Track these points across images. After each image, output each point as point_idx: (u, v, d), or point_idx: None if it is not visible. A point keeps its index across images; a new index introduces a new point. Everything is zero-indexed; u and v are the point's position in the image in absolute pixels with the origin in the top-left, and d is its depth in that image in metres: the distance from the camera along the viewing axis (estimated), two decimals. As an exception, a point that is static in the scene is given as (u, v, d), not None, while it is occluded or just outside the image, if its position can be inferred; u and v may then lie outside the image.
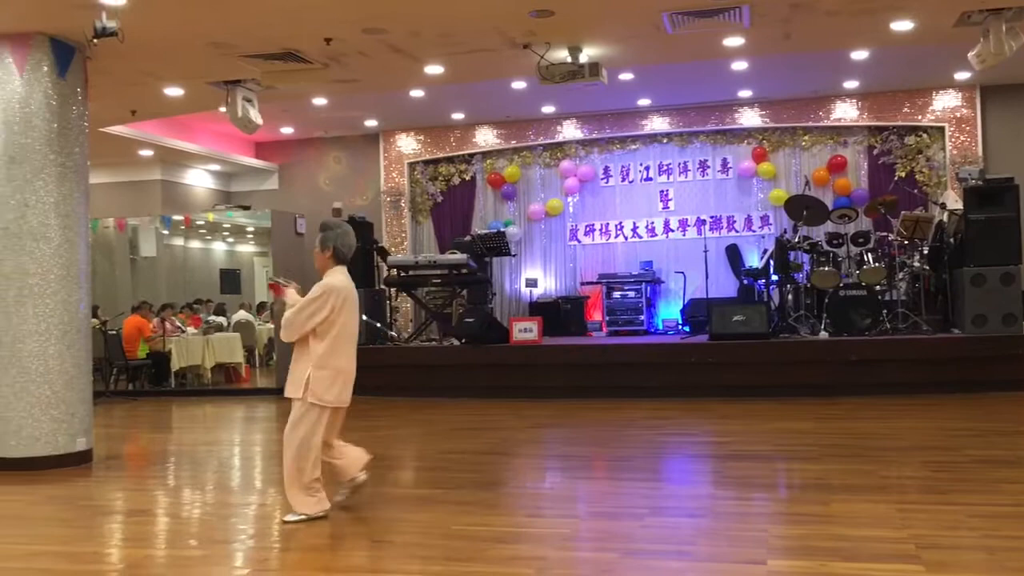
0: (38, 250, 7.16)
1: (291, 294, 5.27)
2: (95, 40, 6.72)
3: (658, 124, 13.97)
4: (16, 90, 7.22)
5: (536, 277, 14.56)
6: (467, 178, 14.85)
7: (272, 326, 13.74)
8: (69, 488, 6.49)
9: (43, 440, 7.12)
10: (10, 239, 7.14)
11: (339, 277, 5.17)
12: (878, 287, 10.78)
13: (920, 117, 13.00)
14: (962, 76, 12.18)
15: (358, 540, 4.69)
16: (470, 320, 11.34)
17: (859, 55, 10.82)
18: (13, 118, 7.20)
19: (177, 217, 14.46)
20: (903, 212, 11.29)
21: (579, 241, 14.51)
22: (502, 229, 13.58)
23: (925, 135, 13.03)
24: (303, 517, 5.01)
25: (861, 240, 10.99)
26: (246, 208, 14.34)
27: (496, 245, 12.68)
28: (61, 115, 7.33)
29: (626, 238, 14.27)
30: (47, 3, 6.69)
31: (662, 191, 14.17)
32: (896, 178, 12.97)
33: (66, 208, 7.31)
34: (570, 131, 14.29)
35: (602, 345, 11.40)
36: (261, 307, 14.95)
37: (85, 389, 7.48)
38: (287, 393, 5.17)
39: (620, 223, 14.29)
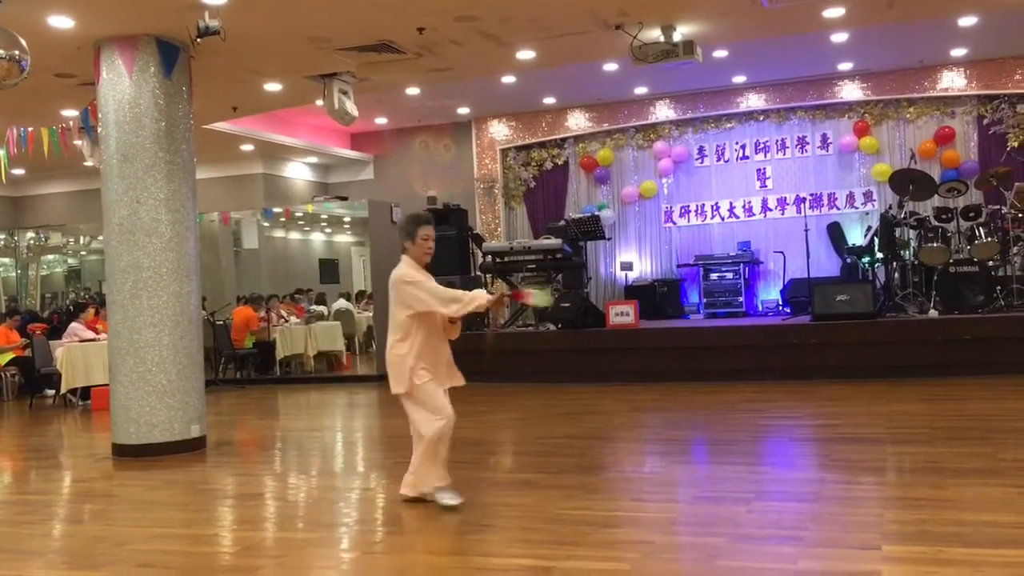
0: (150, 244, 7.45)
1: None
2: (199, 39, 6.95)
3: (754, 101, 13.66)
4: (126, 91, 7.51)
5: (631, 260, 14.45)
6: (560, 162, 14.82)
7: (370, 314, 14.00)
8: (186, 473, 6.75)
9: (160, 427, 7.43)
10: (124, 235, 7.45)
11: None
12: (991, 263, 10.35)
13: (1033, 84, 12.40)
14: (1079, 38, 11.56)
15: (462, 525, 4.74)
16: (566, 305, 11.33)
17: (967, 21, 10.37)
18: (124, 118, 7.50)
19: (277, 209, 14.84)
20: (1017, 184, 10.78)
21: (674, 223, 14.33)
22: (596, 213, 13.51)
23: (1038, 102, 12.43)
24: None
25: (972, 214, 10.56)
26: (343, 199, 14.63)
27: (590, 229, 12.63)
28: (168, 114, 7.60)
29: (722, 219, 14.04)
30: (153, 6, 6.93)
31: (759, 169, 13.87)
32: (1008, 148, 12.40)
33: (175, 203, 7.58)
34: (663, 111, 14.11)
35: (700, 328, 11.25)
36: (360, 296, 15.25)
37: (197, 378, 7.76)
38: (460, 381, 5.26)
39: (716, 203, 14.06)
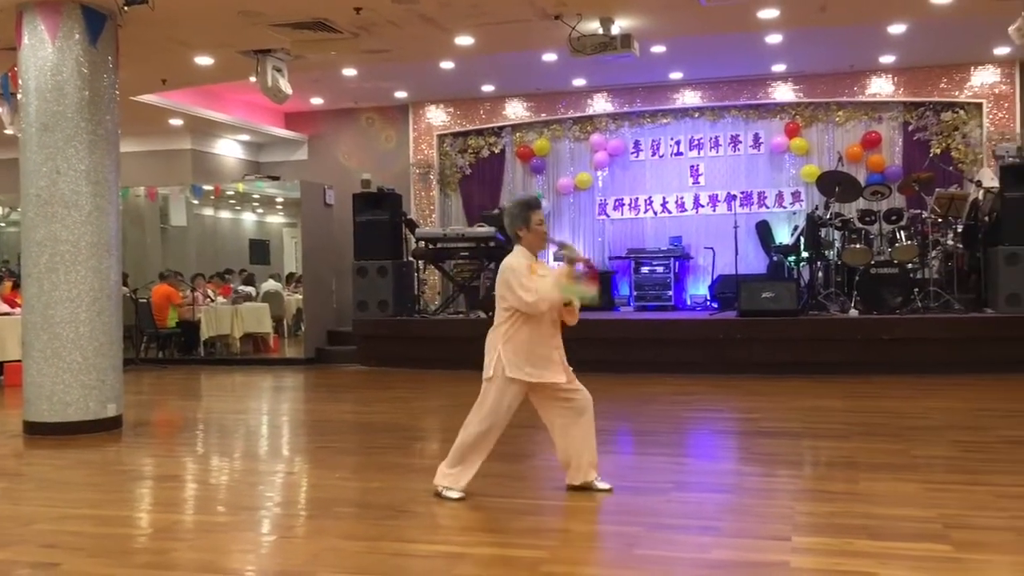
0: (69, 217, 7.22)
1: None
2: (126, 8, 6.76)
3: (690, 98, 13.81)
4: (48, 58, 7.26)
5: (564, 251, 14.49)
6: (496, 151, 14.79)
7: (300, 296, 13.81)
8: (99, 453, 6.58)
9: (74, 406, 7.22)
10: (41, 206, 7.21)
11: None
12: (910, 265, 10.65)
13: (957, 93, 12.75)
14: (1001, 51, 11.92)
15: (382, 510, 4.71)
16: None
17: (896, 29, 10.62)
18: (45, 86, 7.25)
19: (207, 187, 14.52)
20: (938, 190, 11.11)
21: (608, 215, 14.43)
22: (531, 202, 13.51)
23: (962, 111, 12.79)
24: None
25: (894, 218, 10.84)
26: (275, 179, 14.40)
27: (524, 218, 12.62)
28: (92, 83, 7.36)
29: (655, 213, 14.17)
30: (79, -30, 6.71)
31: (692, 166, 14.04)
32: (931, 155, 12.74)
33: (97, 176, 7.35)
34: (601, 104, 14.17)
35: (629, 320, 11.35)
36: (290, 277, 15.04)
37: (115, 356, 7.56)
38: (559, 378, 4.86)
39: (649, 198, 14.18)
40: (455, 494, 4.76)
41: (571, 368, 4.94)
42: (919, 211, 10.99)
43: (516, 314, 4.72)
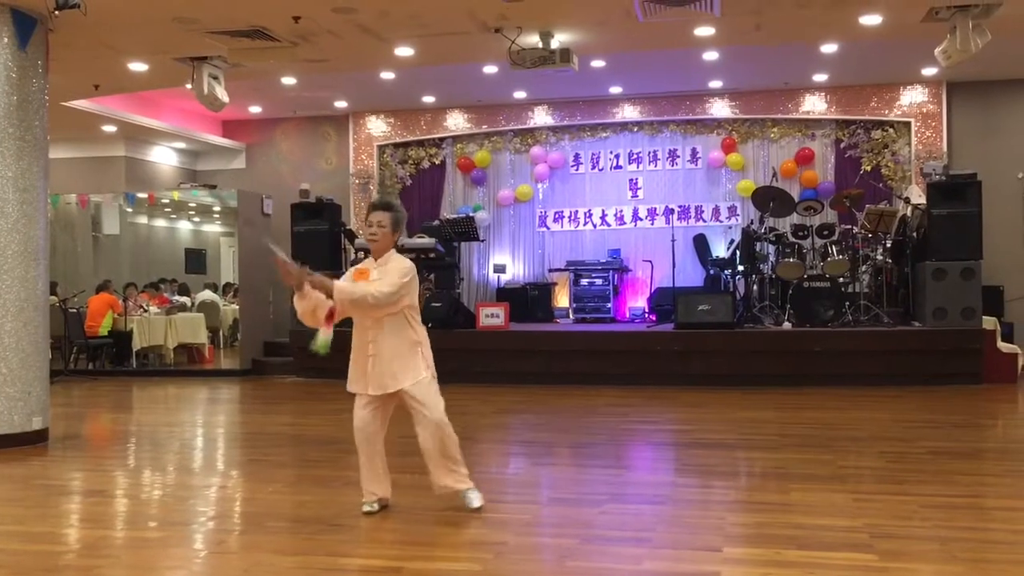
0: (-5, 225, 7.02)
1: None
2: (57, 12, 6.61)
3: (629, 112, 13.97)
4: (-26, 61, 7.06)
5: (504, 263, 14.54)
6: (437, 162, 14.78)
7: (236, 307, 13.61)
8: (23, 467, 6.39)
9: (-2, 418, 7.01)
10: (-34, 213, 7.00)
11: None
12: (841, 279, 10.89)
13: (887, 112, 13.11)
14: (929, 72, 12.30)
15: (317, 524, 4.66)
16: (437, 304, 11.31)
17: (828, 48, 10.89)
18: (-29, 90, 7.05)
19: (141, 195, 14.22)
20: (868, 206, 11.42)
21: (548, 228, 14.50)
22: (471, 214, 13.54)
23: (891, 130, 13.15)
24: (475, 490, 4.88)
25: (826, 232, 11.09)
26: (212, 187, 14.18)
27: (465, 230, 12.65)
28: (20, 88, 7.18)
29: (595, 226, 14.29)
30: (7, -28, 6.55)
31: (631, 179, 14.19)
32: (862, 172, 13.08)
33: (24, 183, 7.17)
34: (541, 117, 14.26)
35: (568, 332, 11.42)
36: (227, 287, 14.81)
37: (42, 367, 7.36)
38: (402, 385, 4.79)
39: (589, 211, 14.30)
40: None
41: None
42: (850, 226, 11.27)
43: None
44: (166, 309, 13.74)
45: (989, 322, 10.22)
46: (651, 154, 14.13)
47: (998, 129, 12.67)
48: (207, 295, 14.49)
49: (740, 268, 11.64)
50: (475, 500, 4.83)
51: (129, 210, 14.49)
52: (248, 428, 8.66)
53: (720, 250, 13.30)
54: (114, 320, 13.00)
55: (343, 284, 4.71)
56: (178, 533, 4.61)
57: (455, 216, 13.15)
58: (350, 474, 5.99)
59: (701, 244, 13.51)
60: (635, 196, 14.17)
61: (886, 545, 4.08)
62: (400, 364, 4.80)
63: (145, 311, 13.34)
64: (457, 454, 4.86)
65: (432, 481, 4.86)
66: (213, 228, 16.03)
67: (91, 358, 13.26)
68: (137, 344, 13.03)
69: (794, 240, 11.09)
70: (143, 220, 15.08)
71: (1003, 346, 10.27)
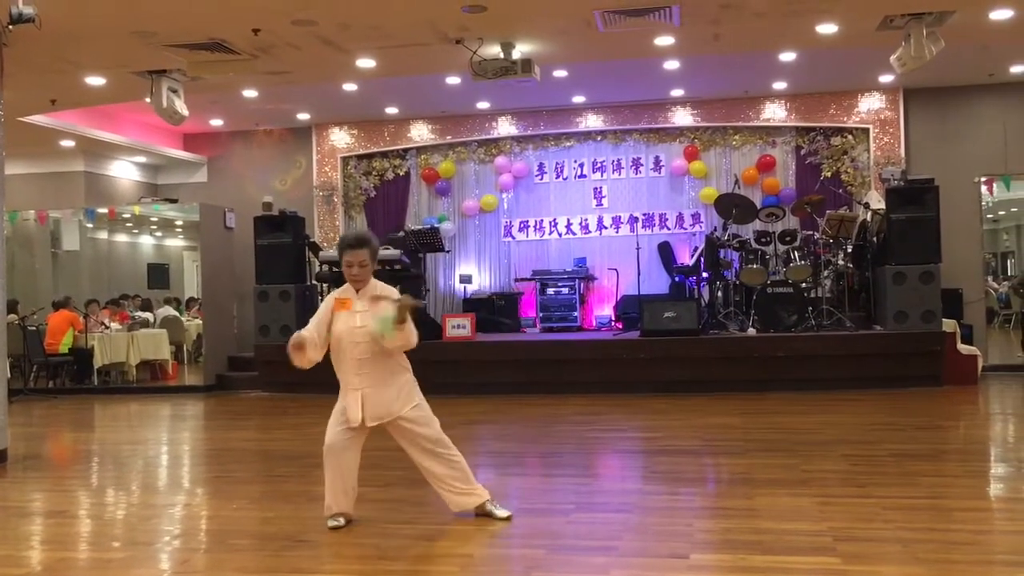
0: (-50, 243, 6.91)
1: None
2: (11, 26, 6.52)
3: (592, 122, 14.04)
4: (-73, 77, 6.95)
5: (470, 273, 14.53)
6: (401, 173, 14.75)
7: (200, 322, 13.47)
8: (-18, 489, 6.28)
9: (-45, 440, 6.88)
10: (-80, 231, 6.88)
11: None
12: (804, 284, 11.01)
13: (846, 119, 13.28)
14: (886, 79, 12.49)
15: (282, 540, 4.62)
16: (402, 316, 11.24)
17: (787, 57, 11.01)
18: (-77, 106, 6.93)
19: (101, 210, 14.04)
20: (828, 211, 11.56)
21: (513, 237, 14.52)
22: (436, 225, 13.52)
23: (850, 136, 13.32)
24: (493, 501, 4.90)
25: (788, 238, 11.21)
26: (173, 201, 14.04)
27: (430, 241, 12.62)
28: (-25, 103, 7.08)
29: (560, 235, 14.33)
30: (-40, -13, 6.46)
31: (596, 188, 14.25)
32: (822, 178, 13.23)
33: (-20, 200, 7.06)
34: (505, 127, 14.28)
35: (535, 342, 11.43)
36: (191, 302, 14.66)
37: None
38: (400, 412, 4.82)
39: (554, 220, 14.33)
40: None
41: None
42: (811, 232, 11.40)
43: None
44: (127, 325, 13.57)
45: (949, 325, 10.38)
46: (615, 163, 14.21)
47: (955, 134, 12.88)
48: (169, 311, 14.32)
49: (704, 275, 11.72)
50: (500, 511, 4.84)
51: (89, 225, 14.30)
52: (212, 444, 8.56)
53: (685, 257, 13.39)
54: (75, 337, 12.82)
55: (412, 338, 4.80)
56: (142, 553, 4.55)
57: (420, 227, 13.12)
58: (316, 489, 5.94)
59: (666, 252, 13.60)
60: (600, 205, 14.23)
61: (849, 548, 4.12)
62: (395, 392, 4.84)
63: (107, 328, 13.16)
64: (465, 468, 4.89)
65: (449, 506, 4.90)
66: (176, 242, 15.87)
67: (51, 376, 13.05)
68: (98, 361, 12.84)
69: (757, 246, 11.20)
70: (104, 235, 14.89)
71: (963, 348, 10.44)
